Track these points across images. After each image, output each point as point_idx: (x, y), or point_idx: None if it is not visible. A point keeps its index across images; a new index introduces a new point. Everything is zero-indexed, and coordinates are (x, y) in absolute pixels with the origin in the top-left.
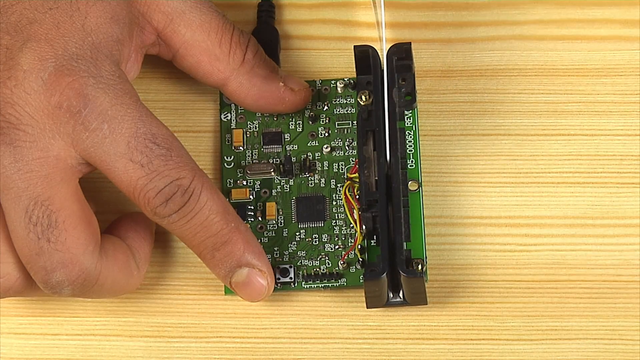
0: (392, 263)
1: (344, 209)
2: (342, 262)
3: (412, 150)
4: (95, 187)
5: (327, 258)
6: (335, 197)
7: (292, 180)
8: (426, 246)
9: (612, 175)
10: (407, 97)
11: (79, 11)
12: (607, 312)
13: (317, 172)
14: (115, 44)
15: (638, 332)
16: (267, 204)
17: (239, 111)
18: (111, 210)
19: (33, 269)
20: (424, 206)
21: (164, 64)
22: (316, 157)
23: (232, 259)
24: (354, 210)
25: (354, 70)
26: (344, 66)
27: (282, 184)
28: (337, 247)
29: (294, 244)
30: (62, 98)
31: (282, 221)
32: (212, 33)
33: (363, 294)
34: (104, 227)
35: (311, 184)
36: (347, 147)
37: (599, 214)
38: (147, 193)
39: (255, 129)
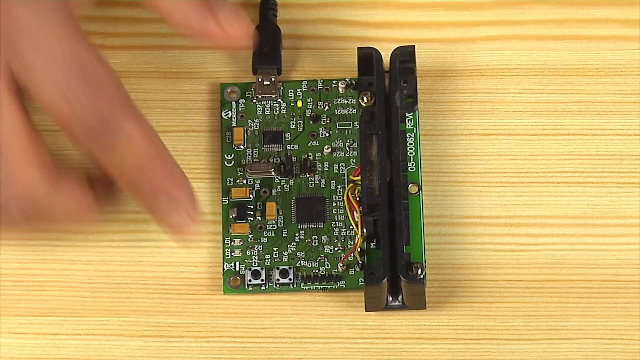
0: (392, 267)
1: (345, 210)
2: (341, 264)
3: (412, 153)
4: None
5: (326, 260)
6: (336, 198)
7: (292, 180)
8: (425, 249)
9: (612, 175)
10: (408, 99)
11: None
12: (607, 312)
13: (317, 172)
14: None
15: (638, 332)
16: (267, 203)
17: (240, 109)
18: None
19: None
20: (424, 206)
21: (164, 64)
22: (317, 158)
23: (152, 189)
24: (355, 213)
25: (355, 70)
26: (345, 66)
27: (282, 183)
28: (336, 248)
29: (294, 245)
30: None
31: (282, 221)
32: None
33: (363, 295)
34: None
35: (311, 185)
36: (347, 148)
37: (599, 214)
38: (70, 122)
39: (256, 127)
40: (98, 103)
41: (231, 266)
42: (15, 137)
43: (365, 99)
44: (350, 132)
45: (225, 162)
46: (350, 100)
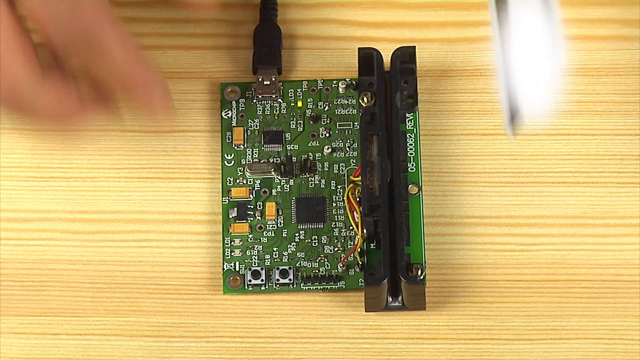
0: (392, 268)
1: (345, 211)
2: (341, 265)
3: (412, 153)
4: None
5: (326, 260)
6: (336, 198)
7: (292, 180)
8: (425, 249)
9: (612, 175)
10: (408, 100)
11: None
12: (607, 312)
13: (317, 172)
14: None
15: (638, 332)
16: (267, 203)
17: (240, 109)
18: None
19: None
20: (424, 206)
21: (164, 64)
22: (317, 158)
23: (133, 95)
24: (355, 213)
25: (355, 70)
26: (345, 66)
27: (282, 184)
28: (336, 249)
29: (293, 245)
30: None
31: (282, 221)
32: None
33: (363, 295)
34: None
35: (311, 185)
36: (348, 149)
37: (599, 214)
38: (51, 35)
39: (256, 127)
40: (79, 17)
41: (231, 266)
42: (2, 30)
43: (365, 99)
44: (350, 132)
45: (225, 162)
46: (350, 100)
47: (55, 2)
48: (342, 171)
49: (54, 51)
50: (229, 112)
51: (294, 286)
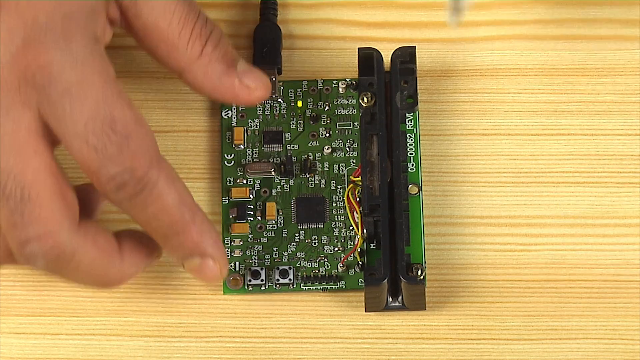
0: (392, 268)
1: (345, 211)
2: (341, 265)
3: (412, 153)
4: None
5: (326, 260)
6: (336, 198)
7: (292, 180)
8: (425, 250)
9: (612, 175)
10: (408, 100)
11: None
12: (607, 312)
13: (317, 172)
14: (90, 15)
15: (638, 332)
16: (267, 203)
17: (240, 109)
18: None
19: (10, 241)
20: (424, 206)
21: None
22: (317, 158)
23: (184, 249)
24: (355, 213)
25: (355, 69)
26: (345, 66)
27: (282, 184)
28: (336, 249)
29: (293, 245)
30: (28, 73)
31: (282, 221)
32: (174, 21)
33: (363, 295)
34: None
35: (311, 185)
36: (348, 149)
37: (599, 214)
38: (100, 178)
39: (256, 127)
40: (128, 157)
41: (231, 266)
42: (43, 185)
43: (365, 99)
44: (350, 132)
45: (226, 162)
46: (350, 100)
47: (104, 146)
48: (342, 171)
49: (88, 192)
50: (229, 112)
51: (294, 286)
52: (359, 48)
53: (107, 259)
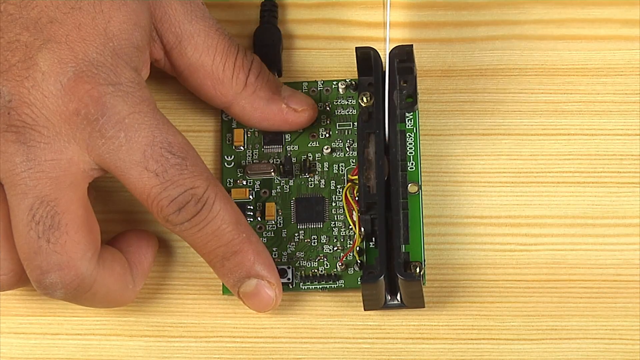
0: (390, 266)
1: (344, 210)
2: (340, 264)
3: (412, 153)
4: (107, 187)
5: (325, 259)
6: (335, 198)
7: (292, 180)
8: (425, 249)
9: (612, 175)
10: (408, 99)
11: (102, 14)
12: (607, 312)
13: (317, 173)
14: (135, 51)
15: (638, 332)
16: (267, 204)
17: None
18: (119, 210)
19: (29, 267)
20: (424, 206)
21: None
22: (316, 158)
23: (241, 269)
24: (354, 212)
25: (355, 70)
26: (345, 66)
27: (281, 184)
28: (335, 248)
29: (293, 245)
30: (80, 105)
31: (282, 222)
32: (217, 57)
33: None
34: (111, 233)
35: (311, 185)
36: (347, 149)
37: (599, 213)
38: (161, 201)
39: (256, 128)
40: (188, 178)
41: None
42: (73, 216)
43: (364, 99)
44: (350, 132)
45: (226, 163)
46: (350, 100)
47: (164, 169)
48: (342, 171)
49: (163, 221)
50: None
51: (294, 286)
52: (356, 47)
53: (122, 284)
